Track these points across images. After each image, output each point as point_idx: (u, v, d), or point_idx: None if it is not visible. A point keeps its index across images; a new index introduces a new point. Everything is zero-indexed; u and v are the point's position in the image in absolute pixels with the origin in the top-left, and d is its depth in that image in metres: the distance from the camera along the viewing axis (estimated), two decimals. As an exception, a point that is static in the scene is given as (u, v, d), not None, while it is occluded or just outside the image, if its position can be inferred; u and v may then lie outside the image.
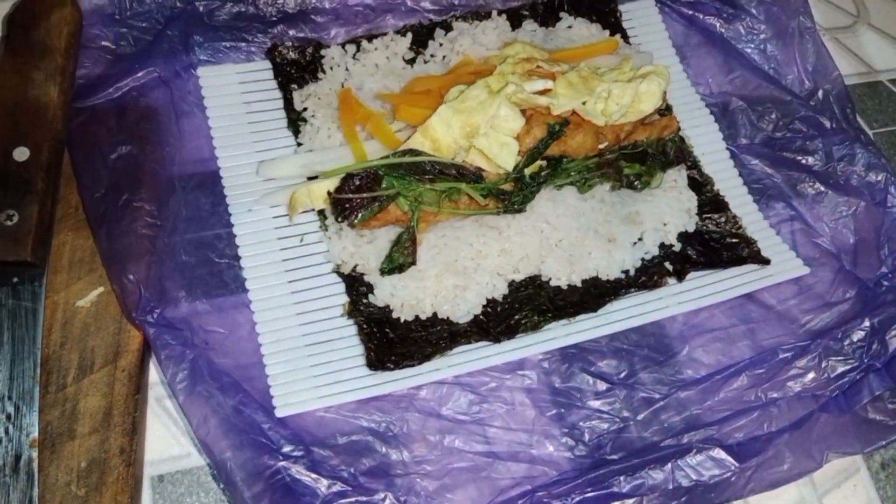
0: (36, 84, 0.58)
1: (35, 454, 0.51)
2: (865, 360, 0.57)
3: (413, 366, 0.55)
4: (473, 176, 0.56)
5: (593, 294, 0.59)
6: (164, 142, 0.60)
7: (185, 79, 0.62)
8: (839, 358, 0.57)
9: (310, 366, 0.55)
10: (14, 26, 0.59)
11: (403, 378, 0.55)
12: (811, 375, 0.57)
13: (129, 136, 0.59)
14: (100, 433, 0.52)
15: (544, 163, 0.58)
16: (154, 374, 0.56)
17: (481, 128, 0.56)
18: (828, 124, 0.65)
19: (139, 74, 0.61)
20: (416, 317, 0.57)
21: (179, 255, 0.56)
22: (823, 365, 0.57)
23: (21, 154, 0.56)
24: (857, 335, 0.58)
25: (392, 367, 0.55)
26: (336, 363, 0.55)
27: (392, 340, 0.56)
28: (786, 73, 0.67)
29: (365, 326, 0.56)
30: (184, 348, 0.53)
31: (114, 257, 0.54)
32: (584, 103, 0.58)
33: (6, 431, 0.51)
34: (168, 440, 0.55)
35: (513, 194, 0.57)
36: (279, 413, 0.52)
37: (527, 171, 0.57)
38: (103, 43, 0.62)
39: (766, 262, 0.61)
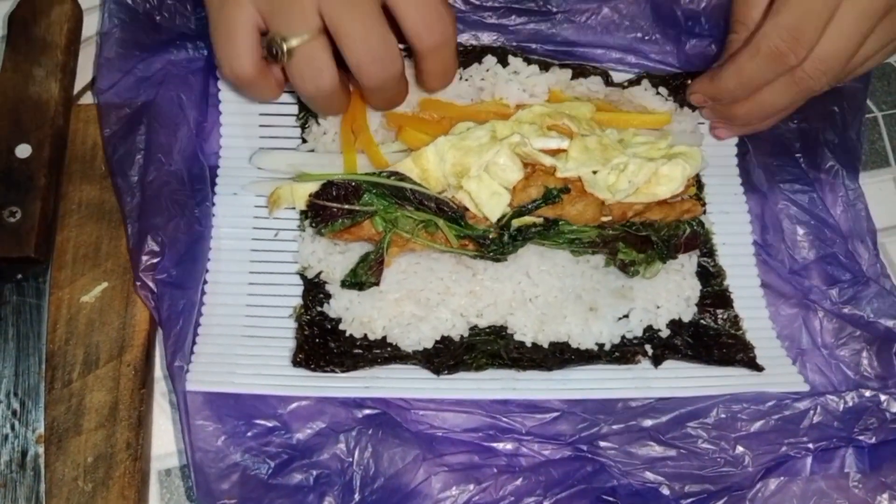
0: (37, 81, 0.58)
1: (41, 450, 0.51)
2: (855, 432, 0.54)
3: (337, 373, 0.53)
4: (453, 214, 0.54)
5: (558, 359, 0.55)
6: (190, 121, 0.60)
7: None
8: (831, 420, 0.54)
9: (238, 354, 0.54)
10: (15, 24, 0.59)
11: (326, 386, 0.53)
12: (792, 427, 0.54)
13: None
14: (106, 428, 0.52)
15: (540, 219, 0.55)
16: (159, 368, 0.56)
17: (472, 170, 0.53)
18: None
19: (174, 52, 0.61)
20: (365, 335, 0.55)
21: (182, 233, 0.57)
22: (812, 422, 0.54)
23: (23, 151, 0.56)
24: (860, 403, 0.54)
25: (315, 368, 0.53)
26: (266, 357, 0.54)
27: (330, 349, 0.54)
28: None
29: (306, 329, 0.55)
30: (180, 315, 0.53)
31: (138, 219, 0.56)
32: (594, 172, 0.55)
33: (12, 427, 0.51)
34: (174, 434, 0.55)
35: (493, 242, 0.55)
36: (189, 386, 0.52)
37: (516, 223, 0.55)
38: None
39: (759, 369, 0.56)
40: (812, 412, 0.54)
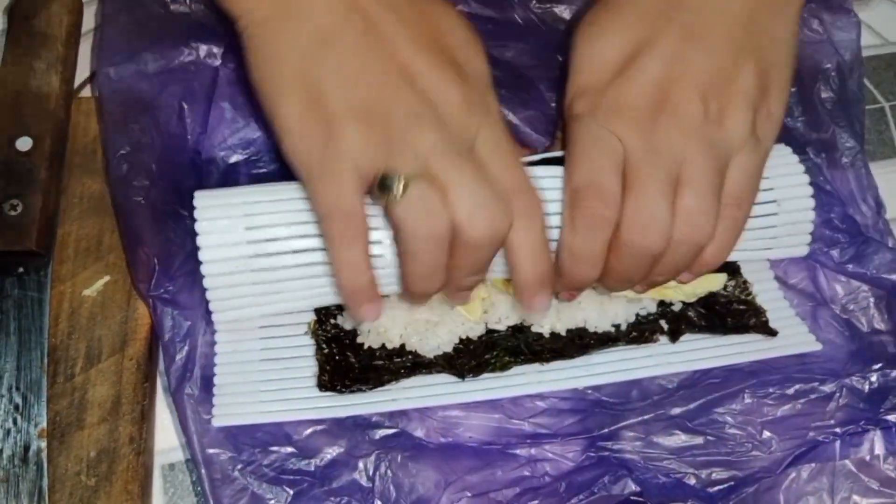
0: (38, 74, 0.58)
1: (44, 444, 0.50)
2: (881, 413, 0.53)
3: (364, 391, 0.52)
4: None
5: (577, 345, 0.55)
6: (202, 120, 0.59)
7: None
8: (857, 401, 0.54)
9: (260, 380, 0.53)
10: (15, 17, 0.59)
11: (354, 404, 0.52)
12: (818, 412, 0.54)
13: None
14: (109, 422, 0.52)
15: None
16: (163, 362, 0.55)
17: None
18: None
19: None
20: (383, 345, 0.54)
21: (175, 246, 0.55)
22: (838, 404, 0.54)
23: (24, 144, 0.56)
24: (885, 383, 0.54)
25: (342, 389, 0.52)
26: (288, 381, 0.53)
27: (352, 365, 0.53)
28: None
29: (325, 347, 0.53)
30: (185, 338, 0.53)
31: (132, 228, 0.54)
32: None
33: (15, 422, 0.51)
34: (178, 428, 0.54)
35: None
36: (215, 422, 0.51)
37: None
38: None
39: (773, 333, 0.56)
40: (838, 395, 0.54)
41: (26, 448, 0.50)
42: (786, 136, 0.61)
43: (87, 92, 0.62)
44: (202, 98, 0.60)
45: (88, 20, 0.63)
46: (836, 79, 0.64)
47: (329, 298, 0.53)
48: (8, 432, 0.51)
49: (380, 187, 0.45)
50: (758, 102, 0.50)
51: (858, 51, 0.65)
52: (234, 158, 0.60)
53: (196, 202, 0.51)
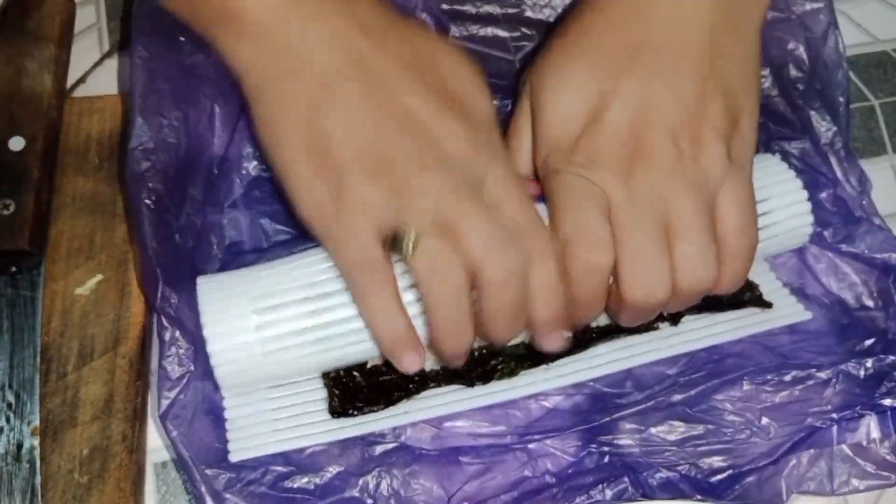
0: (30, 74, 0.58)
1: (37, 442, 0.50)
2: (876, 397, 0.53)
3: (376, 411, 0.52)
4: None
5: (580, 340, 0.54)
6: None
7: None
8: (853, 387, 0.54)
9: (271, 409, 0.52)
10: (7, 18, 0.59)
11: (368, 422, 0.52)
12: (815, 397, 0.54)
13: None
14: (101, 420, 0.51)
15: None
16: (155, 361, 0.55)
17: None
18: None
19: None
20: (387, 362, 0.53)
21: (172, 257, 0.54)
22: (835, 390, 0.54)
23: (17, 144, 0.56)
24: (880, 368, 0.54)
25: (355, 413, 0.52)
26: (298, 406, 0.52)
27: (359, 385, 0.53)
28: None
29: (331, 371, 0.53)
30: (183, 360, 0.51)
31: (139, 230, 0.53)
32: None
33: (7, 420, 0.51)
34: (170, 426, 0.54)
35: None
36: (233, 457, 0.50)
37: None
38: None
39: (767, 305, 0.57)
40: (834, 380, 0.54)
41: (19, 446, 0.50)
42: (762, 116, 0.60)
43: (79, 92, 0.62)
44: (234, 102, 0.57)
45: (81, 20, 0.63)
46: (806, 56, 0.63)
47: (345, 362, 0.53)
48: (1, 430, 0.51)
49: (392, 246, 0.45)
50: (729, 131, 0.50)
51: (831, 16, 0.62)
52: (257, 171, 0.59)
53: (200, 290, 0.51)
